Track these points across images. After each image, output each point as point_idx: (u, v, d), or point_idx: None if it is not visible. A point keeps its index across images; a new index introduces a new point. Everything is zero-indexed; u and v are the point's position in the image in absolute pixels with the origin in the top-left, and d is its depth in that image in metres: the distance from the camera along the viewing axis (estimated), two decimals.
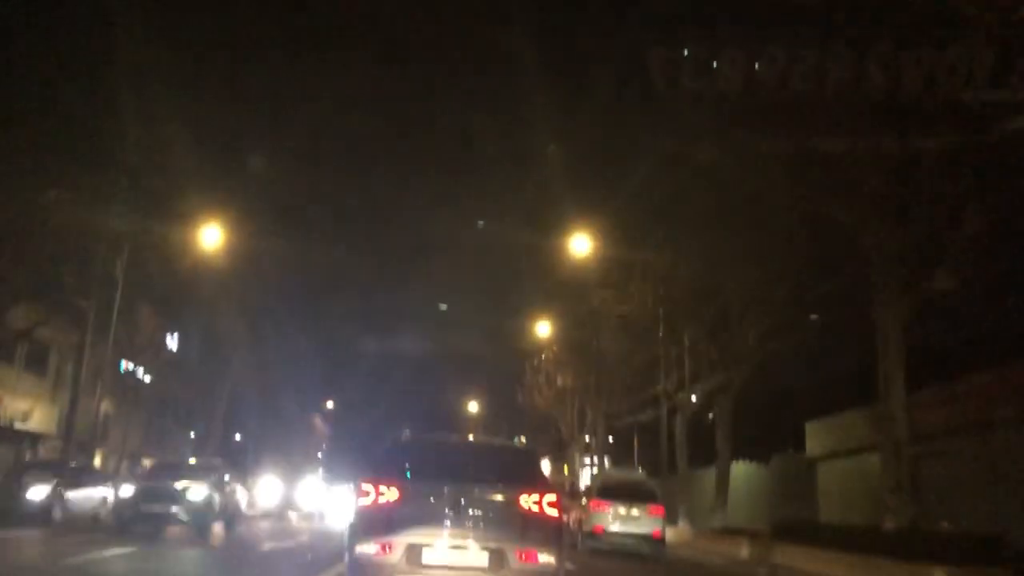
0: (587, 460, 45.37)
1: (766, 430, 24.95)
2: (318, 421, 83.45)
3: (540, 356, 43.45)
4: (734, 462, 28.89)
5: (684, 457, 25.51)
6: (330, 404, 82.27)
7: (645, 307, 25.98)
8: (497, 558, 7.25)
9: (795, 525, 17.53)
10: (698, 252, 22.02)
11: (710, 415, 26.03)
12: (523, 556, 7.28)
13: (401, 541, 7.22)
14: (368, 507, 7.43)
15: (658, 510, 18.02)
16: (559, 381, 42.51)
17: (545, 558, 7.33)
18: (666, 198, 22.84)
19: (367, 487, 7.47)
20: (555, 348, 41.83)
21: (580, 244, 27.54)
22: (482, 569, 7.25)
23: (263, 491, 20.91)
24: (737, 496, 27.36)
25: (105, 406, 31.04)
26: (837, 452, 21.35)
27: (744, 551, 18.09)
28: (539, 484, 7.76)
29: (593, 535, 18.05)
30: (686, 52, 11.55)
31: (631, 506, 17.82)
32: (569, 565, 10.78)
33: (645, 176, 23.89)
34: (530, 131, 34.12)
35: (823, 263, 17.90)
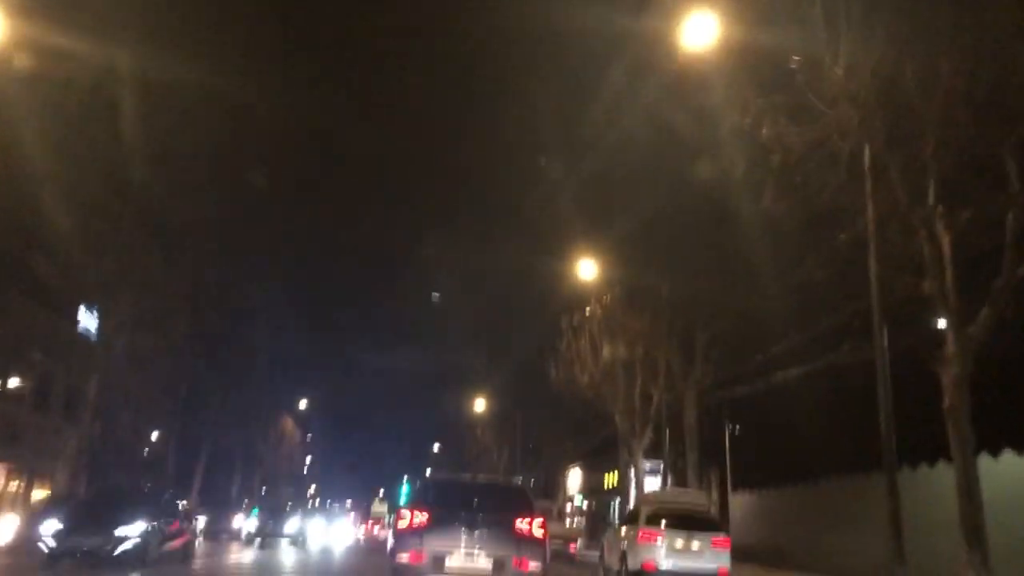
0: (650, 465, 31.83)
1: None
2: (290, 423, 67.57)
3: (584, 311, 29.73)
4: (988, 454, 15.32)
5: (967, 437, 11.56)
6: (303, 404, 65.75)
7: (852, 125, 12.43)
8: (499, 565, 10.42)
9: None
10: None
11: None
12: (518, 564, 10.38)
13: (429, 551, 10.44)
14: (405, 527, 10.66)
15: (723, 542, 15.68)
16: (606, 352, 28.96)
17: (534, 566, 10.43)
18: None
19: (405, 513, 10.82)
20: (607, 298, 28.34)
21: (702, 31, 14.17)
22: (487, 573, 10.38)
23: None
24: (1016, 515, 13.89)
25: None
26: None
27: None
28: (530, 512, 10.86)
29: (642, 572, 15.56)
30: None
31: (690, 537, 15.53)
32: None
33: None
34: None
35: None
